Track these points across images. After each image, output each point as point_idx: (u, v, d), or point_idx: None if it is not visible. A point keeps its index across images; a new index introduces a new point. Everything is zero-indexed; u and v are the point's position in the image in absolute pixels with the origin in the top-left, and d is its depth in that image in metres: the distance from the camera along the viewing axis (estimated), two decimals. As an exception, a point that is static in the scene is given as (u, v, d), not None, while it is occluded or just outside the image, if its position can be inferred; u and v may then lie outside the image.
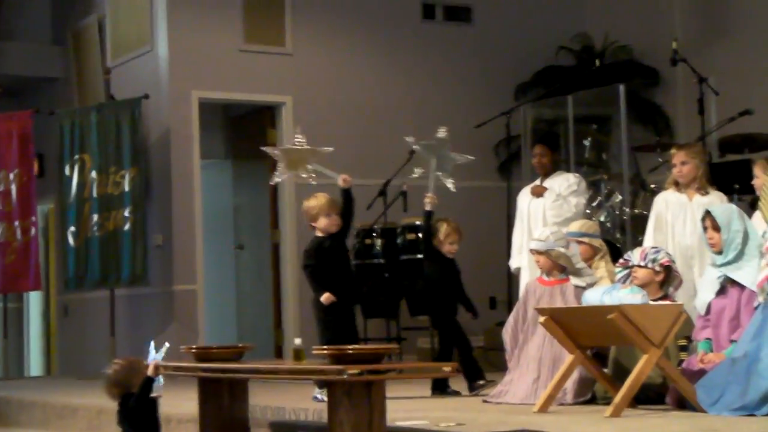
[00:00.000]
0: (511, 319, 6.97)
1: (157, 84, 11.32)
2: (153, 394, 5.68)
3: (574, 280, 6.84)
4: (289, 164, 7.86)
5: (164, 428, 6.03)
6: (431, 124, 11.70)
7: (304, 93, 11.60)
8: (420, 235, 10.27)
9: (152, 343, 5.73)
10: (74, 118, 11.59)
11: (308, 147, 7.84)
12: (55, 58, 13.31)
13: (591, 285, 6.75)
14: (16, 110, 12.31)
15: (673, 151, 7.23)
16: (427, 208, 7.83)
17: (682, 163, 7.09)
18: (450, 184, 7.85)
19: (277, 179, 8.08)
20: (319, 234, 7.58)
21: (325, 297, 7.45)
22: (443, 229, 7.74)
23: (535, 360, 6.69)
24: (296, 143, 7.90)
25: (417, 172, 7.90)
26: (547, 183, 8.36)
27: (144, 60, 11.59)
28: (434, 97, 12.04)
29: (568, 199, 8.18)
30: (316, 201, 7.57)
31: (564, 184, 8.27)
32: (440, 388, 7.50)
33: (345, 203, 7.60)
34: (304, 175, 7.86)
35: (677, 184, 7.17)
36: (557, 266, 6.85)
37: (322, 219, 7.54)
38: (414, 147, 7.91)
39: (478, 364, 7.59)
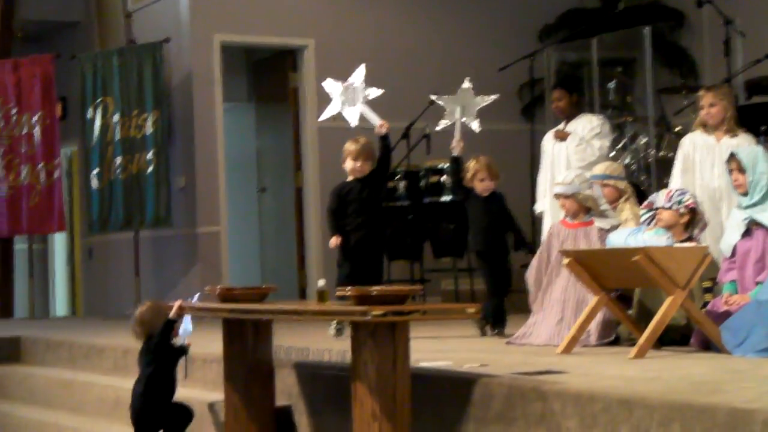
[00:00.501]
0: (534, 261, 6.95)
1: (178, 28, 11.29)
2: (181, 342, 5.75)
3: (598, 222, 6.82)
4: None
5: (187, 367, 6.07)
6: (454, 67, 11.78)
7: (326, 36, 11.55)
8: (443, 178, 10.28)
9: (188, 318, 5.79)
10: (96, 62, 11.59)
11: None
12: (77, 3, 13.30)
13: (615, 227, 6.73)
14: (38, 54, 12.30)
15: (701, 92, 7.16)
16: (455, 153, 7.76)
17: (710, 104, 7.02)
18: (475, 125, 7.78)
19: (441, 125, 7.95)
20: (349, 177, 7.56)
21: (331, 241, 7.53)
22: (471, 166, 7.65)
23: (558, 302, 6.69)
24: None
25: (442, 123, 7.83)
26: (570, 126, 8.31)
27: (165, 4, 11.56)
28: (458, 40, 11.98)
29: (592, 143, 8.14)
30: (349, 144, 7.58)
31: (587, 127, 8.23)
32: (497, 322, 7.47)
33: (381, 150, 7.58)
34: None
35: (705, 126, 7.11)
36: (583, 209, 6.82)
37: (348, 162, 7.55)
38: (438, 101, 7.83)
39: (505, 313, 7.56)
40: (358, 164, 7.52)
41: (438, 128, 7.95)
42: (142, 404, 5.75)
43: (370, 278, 7.18)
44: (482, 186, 7.61)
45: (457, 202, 10.34)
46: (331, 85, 7.76)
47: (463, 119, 7.75)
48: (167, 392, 5.78)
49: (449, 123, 7.78)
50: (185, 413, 5.83)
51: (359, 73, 7.75)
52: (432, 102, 9.02)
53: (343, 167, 7.62)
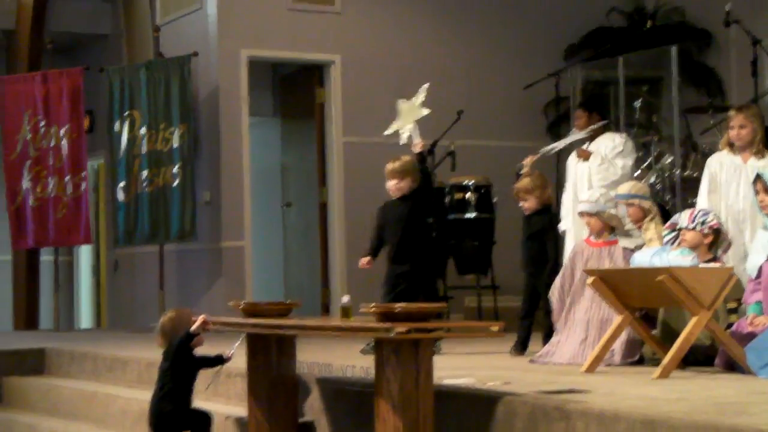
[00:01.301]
0: (558, 280, 6.94)
1: (206, 42, 11.35)
2: (228, 354, 5.81)
3: (622, 242, 6.80)
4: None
5: (214, 380, 6.10)
6: (480, 84, 11.81)
7: (352, 52, 11.59)
8: (468, 195, 10.30)
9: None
10: (124, 75, 11.65)
11: None
12: (106, 16, 13.39)
13: (639, 247, 6.72)
14: (67, 67, 12.38)
15: (731, 112, 7.11)
16: (520, 171, 7.89)
17: (740, 126, 6.98)
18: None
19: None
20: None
21: (360, 261, 7.66)
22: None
23: (582, 321, 6.67)
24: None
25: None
26: (593, 146, 8.30)
27: (193, 18, 11.62)
28: (483, 57, 12.00)
29: (614, 162, 8.12)
30: (388, 164, 7.66)
31: (610, 146, 8.21)
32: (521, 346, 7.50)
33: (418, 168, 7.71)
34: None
35: (731, 146, 7.08)
36: (607, 228, 6.82)
37: (388, 182, 7.63)
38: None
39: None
40: (396, 183, 7.60)
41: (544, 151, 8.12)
42: (159, 410, 5.80)
43: (416, 295, 7.25)
44: (523, 206, 7.66)
45: (482, 219, 10.38)
46: (401, 104, 8.03)
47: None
48: (184, 398, 5.80)
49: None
50: (204, 418, 5.86)
51: (422, 92, 7.85)
52: (461, 112, 9.05)
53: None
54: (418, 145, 7.83)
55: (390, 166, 7.63)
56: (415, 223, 7.64)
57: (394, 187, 7.62)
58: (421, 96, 7.96)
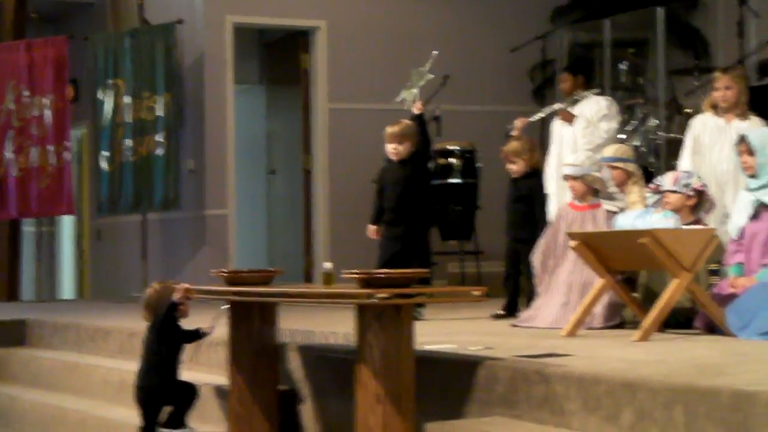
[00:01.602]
0: (541, 244, 6.92)
1: (191, 9, 11.26)
2: (205, 329, 5.79)
3: (606, 205, 6.79)
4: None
5: (195, 351, 6.07)
6: (466, 48, 11.73)
7: (338, 17, 11.51)
8: (452, 160, 10.27)
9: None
10: (108, 44, 11.57)
11: None
12: (90, -17, 13.28)
13: (623, 210, 6.69)
14: (51, 36, 12.28)
15: (716, 74, 7.07)
16: (510, 132, 7.88)
17: (726, 87, 6.93)
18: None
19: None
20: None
21: (369, 232, 7.71)
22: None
23: (564, 285, 6.67)
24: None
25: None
26: (577, 108, 8.25)
27: (177, -16, 11.54)
28: (470, 21, 11.92)
29: (599, 125, 8.06)
30: (388, 127, 7.69)
31: (594, 108, 8.15)
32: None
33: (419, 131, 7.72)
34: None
35: (715, 107, 7.04)
36: (590, 191, 6.80)
37: (387, 145, 7.66)
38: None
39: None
40: (394, 146, 7.60)
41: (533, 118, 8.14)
42: (145, 382, 5.78)
43: (410, 258, 7.22)
44: (510, 169, 7.66)
45: (466, 184, 10.35)
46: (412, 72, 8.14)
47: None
48: (170, 371, 5.77)
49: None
50: (190, 390, 5.84)
51: (431, 59, 8.01)
52: (447, 77, 9.02)
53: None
54: (417, 106, 7.82)
55: (389, 129, 7.64)
56: (413, 187, 7.65)
57: (392, 150, 7.60)
58: (429, 63, 8.01)
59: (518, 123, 7.88)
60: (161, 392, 5.76)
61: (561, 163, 7.89)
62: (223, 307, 5.89)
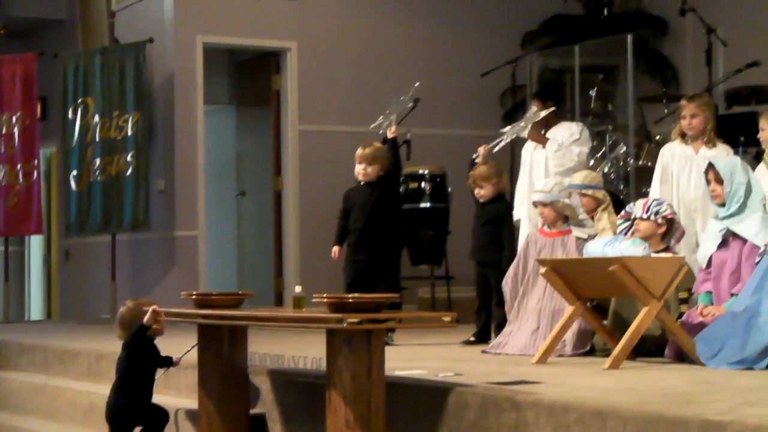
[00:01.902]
0: (511, 270, 6.94)
1: (161, 28, 11.25)
2: (176, 359, 5.84)
3: (576, 232, 6.81)
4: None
5: (163, 374, 6.05)
6: (438, 72, 11.76)
7: (308, 39, 11.53)
8: (423, 184, 10.29)
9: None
10: (78, 61, 11.53)
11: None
12: (61, 1, 13.22)
13: (592, 237, 6.72)
14: (21, 52, 12.23)
15: (682, 102, 7.13)
16: (474, 158, 7.89)
17: (692, 115, 6.99)
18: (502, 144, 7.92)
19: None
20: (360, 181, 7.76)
21: (333, 251, 7.70)
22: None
23: (534, 311, 6.69)
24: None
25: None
26: (549, 134, 8.29)
27: (148, 3, 11.52)
28: (440, 45, 11.97)
29: (571, 149, 8.10)
30: (359, 149, 7.71)
31: (566, 134, 8.19)
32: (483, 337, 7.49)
33: (391, 154, 7.77)
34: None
35: (683, 136, 7.10)
36: (561, 217, 6.83)
37: (356, 166, 7.69)
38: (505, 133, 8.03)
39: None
40: (363, 167, 7.63)
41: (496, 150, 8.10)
42: (115, 402, 5.77)
43: (377, 283, 7.22)
44: (478, 193, 7.68)
45: (437, 209, 10.36)
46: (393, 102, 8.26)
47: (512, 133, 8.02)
48: (143, 393, 5.76)
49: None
50: (161, 414, 5.82)
51: (412, 90, 8.28)
52: (417, 99, 9.07)
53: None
54: (391, 130, 7.87)
55: (360, 150, 7.66)
56: (380, 210, 7.65)
57: (361, 171, 7.61)
58: (410, 94, 8.24)
59: (482, 150, 7.91)
60: (131, 412, 5.74)
61: (531, 188, 7.93)
62: (193, 347, 5.90)
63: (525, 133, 8.00)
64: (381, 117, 8.13)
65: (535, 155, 8.27)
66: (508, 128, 8.11)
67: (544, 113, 7.96)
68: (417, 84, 8.18)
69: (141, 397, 5.76)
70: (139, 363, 5.76)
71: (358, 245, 7.62)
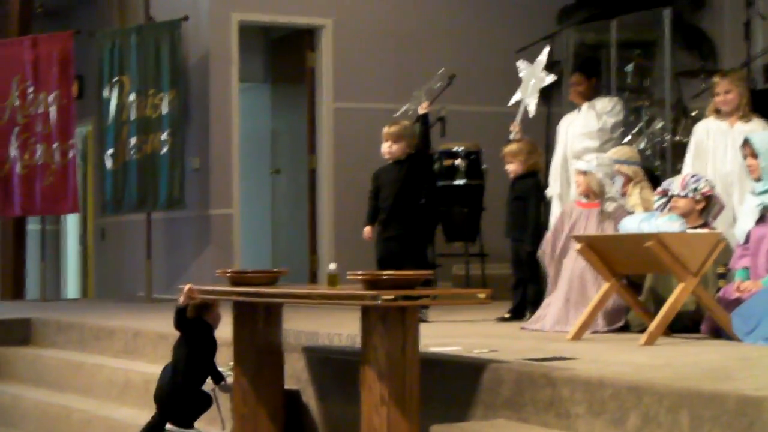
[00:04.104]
0: (548, 243, 6.96)
1: (196, 6, 11.26)
2: (227, 383, 5.86)
3: (606, 206, 6.79)
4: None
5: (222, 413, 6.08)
6: (472, 48, 11.72)
7: (344, 16, 11.50)
8: (457, 161, 10.26)
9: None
10: (114, 40, 11.55)
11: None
12: (97, -21, 13.27)
13: (620, 210, 6.70)
14: (57, 31, 12.28)
15: (716, 79, 7.09)
16: (511, 137, 7.81)
17: (726, 91, 6.96)
18: (533, 107, 7.82)
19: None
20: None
21: (364, 232, 7.68)
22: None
23: (565, 282, 6.69)
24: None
25: (514, 98, 8.02)
26: (585, 106, 8.26)
27: (184, -19, 11.52)
28: (476, 21, 11.91)
29: (601, 116, 8.09)
30: (385, 127, 7.66)
31: (600, 105, 8.18)
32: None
33: (422, 131, 7.73)
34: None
35: (718, 112, 7.05)
36: (591, 190, 6.81)
37: (383, 145, 7.64)
38: (521, 70, 7.98)
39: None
40: (389, 145, 7.59)
41: (511, 102, 8.03)
42: (164, 385, 5.82)
43: (405, 260, 7.21)
44: (508, 169, 7.67)
45: (471, 186, 10.33)
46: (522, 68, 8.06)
47: (528, 101, 7.85)
48: (193, 379, 5.79)
49: (520, 98, 7.92)
50: (205, 399, 5.86)
51: (438, 76, 8.08)
52: (453, 76, 9.01)
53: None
54: (423, 106, 7.83)
55: (386, 129, 7.64)
56: (408, 188, 7.63)
57: (387, 149, 7.60)
58: (435, 77, 7.98)
59: (513, 127, 7.90)
60: (177, 397, 5.78)
61: (566, 164, 7.92)
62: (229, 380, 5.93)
63: (533, 107, 7.88)
64: (407, 105, 8.09)
65: (570, 130, 8.25)
66: (518, 95, 8.03)
67: (550, 80, 7.92)
68: (442, 70, 8.11)
69: (189, 383, 5.79)
70: (192, 349, 5.79)
71: (387, 223, 7.62)
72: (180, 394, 5.76)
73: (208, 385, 5.93)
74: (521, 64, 8.09)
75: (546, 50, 8.06)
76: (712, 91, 7.10)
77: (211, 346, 5.88)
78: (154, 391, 5.88)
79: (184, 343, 5.82)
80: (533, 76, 7.96)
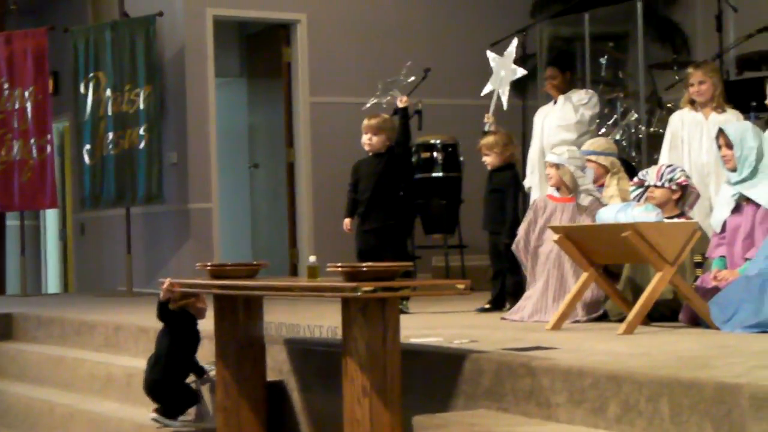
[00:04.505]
0: (521, 234, 7.00)
1: (171, 1, 11.25)
2: (209, 376, 5.96)
3: (580, 199, 6.83)
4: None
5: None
6: (446, 42, 11.77)
7: (318, 11, 11.52)
8: (435, 153, 10.31)
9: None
10: (88, 36, 11.53)
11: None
12: (70, -25, 13.24)
13: (596, 203, 6.74)
14: (31, 28, 12.24)
15: (690, 70, 7.17)
16: (486, 129, 7.84)
17: (699, 82, 7.04)
18: (505, 99, 7.85)
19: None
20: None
21: (344, 223, 7.71)
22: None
23: (544, 273, 6.75)
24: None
25: (486, 89, 7.96)
26: (561, 98, 8.32)
27: (157, -24, 11.52)
28: (449, 15, 11.94)
29: (578, 108, 8.14)
30: (365, 119, 7.68)
31: (576, 98, 8.24)
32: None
33: (401, 124, 7.73)
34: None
35: (693, 103, 7.13)
36: (564, 183, 6.85)
37: (363, 137, 7.68)
38: (492, 62, 7.97)
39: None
40: (369, 137, 7.62)
41: (483, 93, 8.01)
42: (149, 376, 5.93)
43: (384, 252, 7.25)
44: (485, 161, 7.70)
45: (449, 178, 10.38)
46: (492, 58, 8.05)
47: (500, 91, 7.85)
48: (175, 370, 5.89)
49: (492, 89, 7.89)
50: (190, 395, 5.91)
51: (405, 69, 8.00)
52: (428, 70, 9.03)
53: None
54: (402, 100, 7.84)
55: (366, 121, 7.66)
56: (387, 180, 7.66)
57: (367, 142, 7.63)
58: (402, 72, 8.00)
59: (487, 118, 7.94)
60: (163, 389, 5.84)
61: (542, 156, 7.96)
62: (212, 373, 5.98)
63: (505, 99, 7.92)
64: (373, 98, 8.12)
65: (546, 123, 8.30)
66: (489, 86, 8.07)
67: (521, 73, 7.96)
68: (409, 63, 8.13)
69: (174, 376, 5.84)
70: (175, 340, 5.84)
71: (366, 215, 7.65)
72: (163, 385, 5.82)
73: (191, 379, 5.97)
74: (491, 55, 8.13)
75: (514, 42, 8.10)
76: (686, 82, 7.17)
77: (194, 338, 5.92)
78: (143, 383, 5.95)
79: (166, 333, 5.88)
80: (504, 68, 8.00)
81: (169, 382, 5.84)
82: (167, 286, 5.79)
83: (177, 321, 5.87)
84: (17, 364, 8.22)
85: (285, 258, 11.46)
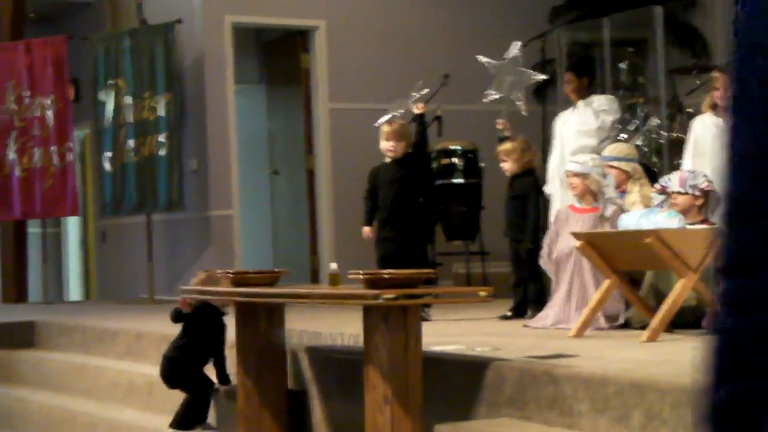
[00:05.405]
0: (545, 246, 6.97)
1: (190, 9, 11.28)
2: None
3: (604, 210, 6.79)
4: None
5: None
6: (465, 48, 11.74)
7: (337, 17, 11.53)
8: (455, 160, 10.30)
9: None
10: (108, 44, 11.57)
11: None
12: (89, -17, 13.28)
13: (612, 216, 6.71)
14: (50, 36, 12.29)
15: (715, 73, 7.12)
16: (502, 135, 7.82)
17: (725, 86, 6.99)
18: (522, 106, 7.82)
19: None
20: (386, 159, 7.69)
21: (363, 231, 7.66)
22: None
23: (567, 281, 6.73)
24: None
25: (491, 96, 7.90)
26: (581, 104, 8.30)
27: (176, -16, 11.55)
28: (468, 21, 11.94)
29: (599, 114, 8.12)
30: (384, 125, 7.63)
31: (596, 103, 8.21)
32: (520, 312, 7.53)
33: (418, 131, 7.70)
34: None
35: (714, 107, 7.09)
36: (589, 192, 6.80)
37: (381, 143, 7.64)
38: (489, 67, 7.89)
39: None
40: (392, 144, 7.57)
41: (485, 100, 7.97)
42: (165, 370, 6.05)
43: (405, 260, 7.24)
44: (504, 168, 7.67)
45: (470, 185, 10.37)
46: (487, 63, 8.00)
47: (511, 97, 7.79)
48: (193, 362, 5.99)
49: (497, 95, 7.84)
50: (205, 385, 5.95)
51: (417, 89, 7.90)
52: (447, 76, 9.01)
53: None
54: (419, 107, 7.79)
55: (387, 127, 7.60)
56: (408, 186, 7.64)
57: (390, 148, 7.58)
58: (416, 87, 7.94)
59: (500, 124, 7.91)
60: (179, 377, 5.94)
61: (562, 162, 7.93)
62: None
63: (519, 91, 7.89)
64: (388, 114, 8.07)
65: (565, 129, 8.28)
66: (491, 92, 8.01)
67: (537, 78, 7.92)
68: (420, 82, 8.09)
69: (191, 367, 5.90)
70: (193, 338, 5.91)
71: (387, 222, 7.62)
72: (180, 365, 5.94)
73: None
74: (484, 60, 8.05)
75: (516, 45, 8.03)
76: (710, 87, 7.12)
77: (218, 327, 5.97)
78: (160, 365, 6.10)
79: (182, 335, 5.94)
80: (509, 73, 7.93)
81: (186, 364, 5.91)
82: (181, 304, 5.90)
83: (194, 319, 5.94)
84: (39, 372, 8.24)
85: (306, 265, 11.46)
